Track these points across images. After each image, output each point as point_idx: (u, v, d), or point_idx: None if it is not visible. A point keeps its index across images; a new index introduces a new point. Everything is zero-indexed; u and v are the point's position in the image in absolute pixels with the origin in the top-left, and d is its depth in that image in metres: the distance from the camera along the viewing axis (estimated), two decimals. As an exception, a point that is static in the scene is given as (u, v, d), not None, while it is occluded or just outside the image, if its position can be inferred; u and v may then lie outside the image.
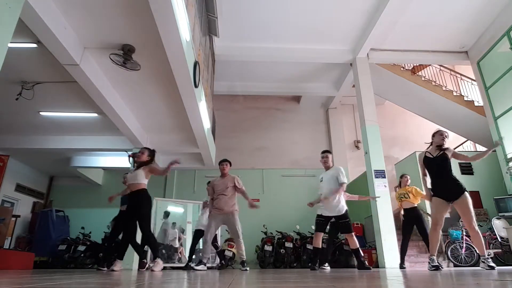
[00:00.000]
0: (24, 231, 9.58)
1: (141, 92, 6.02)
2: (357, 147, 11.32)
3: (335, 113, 11.66)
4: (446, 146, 4.11)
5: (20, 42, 4.50)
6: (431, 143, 4.22)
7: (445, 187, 3.87)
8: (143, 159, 4.37)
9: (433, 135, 4.22)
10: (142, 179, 4.22)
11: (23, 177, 9.59)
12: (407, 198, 5.66)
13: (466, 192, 3.74)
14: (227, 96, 11.26)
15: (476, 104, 8.99)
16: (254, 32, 8.09)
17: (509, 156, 7.38)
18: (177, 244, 7.86)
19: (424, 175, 4.18)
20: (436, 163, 4.00)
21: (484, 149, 9.36)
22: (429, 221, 5.68)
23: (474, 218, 3.70)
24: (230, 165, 5.17)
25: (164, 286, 1.75)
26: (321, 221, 4.62)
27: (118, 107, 6.00)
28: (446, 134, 4.14)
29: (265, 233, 8.42)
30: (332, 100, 11.18)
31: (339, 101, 11.27)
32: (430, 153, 4.12)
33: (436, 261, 3.86)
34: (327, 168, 4.82)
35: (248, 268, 4.65)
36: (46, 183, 10.60)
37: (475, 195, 8.18)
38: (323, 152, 4.91)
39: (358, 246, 4.54)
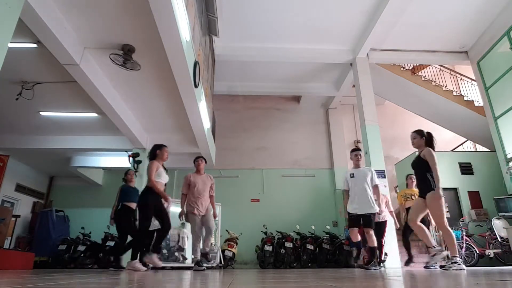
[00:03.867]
0: (24, 231, 9.58)
1: (141, 92, 6.02)
2: (357, 147, 11.32)
3: (335, 113, 11.66)
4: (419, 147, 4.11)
5: (20, 42, 4.50)
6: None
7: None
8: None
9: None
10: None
11: (23, 177, 9.59)
12: (411, 199, 5.64)
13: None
14: (227, 96, 11.25)
15: (476, 104, 8.99)
16: (254, 32, 8.09)
17: (509, 156, 7.38)
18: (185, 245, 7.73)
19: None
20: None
21: (484, 149, 9.37)
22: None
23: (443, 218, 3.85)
24: (205, 162, 5.12)
25: (164, 286, 1.75)
26: (354, 216, 4.59)
27: (118, 107, 6.00)
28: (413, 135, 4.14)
29: (265, 233, 8.42)
30: (332, 100, 11.18)
31: (339, 101, 11.27)
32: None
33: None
34: (358, 166, 4.77)
35: (205, 268, 4.56)
36: (46, 183, 10.60)
37: (475, 195, 8.18)
38: (357, 149, 4.88)
39: (374, 245, 4.51)
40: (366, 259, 4.80)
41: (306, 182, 10.54)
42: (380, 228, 5.25)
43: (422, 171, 3.88)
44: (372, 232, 4.49)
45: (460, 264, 3.59)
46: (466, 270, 3.55)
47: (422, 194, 3.93)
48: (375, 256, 4.51)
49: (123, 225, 5.35)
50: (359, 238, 4.60)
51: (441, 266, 3.78)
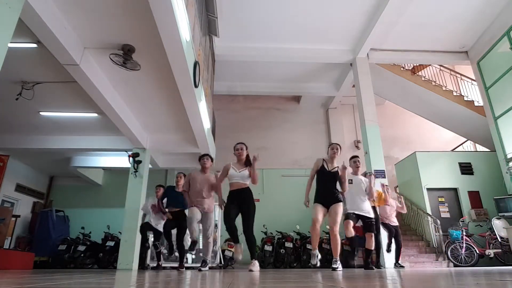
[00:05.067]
0: (24, 231, 9.58)
1: (141, 92, 6.02)
2: (357, 147, 11.32)
3: (335, 113, 11.66)
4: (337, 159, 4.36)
5: (20, 42, 4.50)
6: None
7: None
8: (245, 155, 4.18)
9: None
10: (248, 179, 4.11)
11: (23, 177, 9.59)
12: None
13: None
14: (227, 96, 11.26)
15: (476, 104, 9.00)
16: (254, 32, 8.09)
17: (509, 156, 7.38)
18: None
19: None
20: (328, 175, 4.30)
21: (484, 149, 9.37)
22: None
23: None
24: (212, 161, 4.91)
25: (164, 286, 1.75)
26: (352, 215, 4.62)
27: (118, 107, 5.99)
28: (337, 146, 4.37)
29: (265, 233, 8.42)
30: (332, 100, 11.18)
31: (339, 101, 11.27)
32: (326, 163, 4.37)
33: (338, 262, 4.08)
34: (356, 174, 4.80)
35: (204, 269, 4.37)
36: (46, 183, 10.60)
37: (475, 195, 8.18)
38: (356, 156, 4.90)
39: (373, 248, 4.64)
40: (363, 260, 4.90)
41: (306, 182, 10.53)
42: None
43: (335, 183, 4.22)
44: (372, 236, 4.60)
45: (339, 265, 4.05)
46: (342, 271, 3.99)
47: (328, 203, 4.13)
48: (369, 257, 4.70)
49: (168, 226, 5.35)
50: (352, 232, 4.61)
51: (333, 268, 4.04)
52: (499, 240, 6.71)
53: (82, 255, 8.02)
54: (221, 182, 4.39)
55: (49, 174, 10.66)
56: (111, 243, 7.99)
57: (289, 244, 7.92)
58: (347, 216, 4.60)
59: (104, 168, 10.47)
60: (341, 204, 4.12)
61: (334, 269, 3.99)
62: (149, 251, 7.11)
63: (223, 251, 7.79)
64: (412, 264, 6.94)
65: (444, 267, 6.82)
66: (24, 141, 7.64)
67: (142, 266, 7.18)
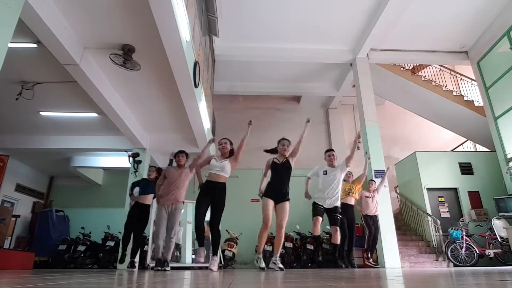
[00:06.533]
0: (24, 231, 9.58)
1: (141, 92, 6.03)
2: (357, 147, 11.32)
3: (335, 113, 11.66)
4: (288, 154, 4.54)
5: (20, 42, 4.50)
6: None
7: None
8: (228, 150, 4.41)
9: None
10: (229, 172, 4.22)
11: (23, 177, 9.59)
12: (352, 193, 5.85)
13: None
14: (227, 96, 11.26)
15: (476, 104, 8.99)
16: (254, 32, 8.09)
17: (509, 156, 7.38)
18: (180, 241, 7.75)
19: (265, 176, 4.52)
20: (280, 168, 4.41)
21: (484, 149, 9.36)
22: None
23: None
24: (187, 157, 4.96)
25: (163, 286, 1.75)
26: (320, 208, 4.71)
27: (118, 107, 6.00)
28: (288, 143, 4.59)
29: (265, 233, 8.41)
30: (332, 100, 11.18)
31: (339, 101, 11.27)
32: (277, 159, 4.53)
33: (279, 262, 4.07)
34: (332, 165, 4.93)
35: (167, 268, 4.34)
36: (46, 183, 10.60)
37: (475, 195, 8.18)
38: (331, 150, 5.08)
39: (338, 242, 4.69)
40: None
41: (305, 182, 10.53)
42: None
43: (289, 175, 4.45)
44: (338, 230, 4.65)
45: (278, 262, 4.05)
46: (284, 270, 4.00)
47: (278, 200, 4.28)
48: (337, 252, 4.73)
49: (130, 217, 5.42)
50: (319, 231, 4.66)
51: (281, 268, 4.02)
52: (499, 240, 6.71)
53: (82, 255, 8.02)
54: (200, 168, 4.55)
55: (49, 174, 10.66)
56: (111, 243, 8.00)
57: (289, 244, 7.92)
58: (316, 212, 4.61)
59: (104, 168, 10.47)
60: (288, 202, 4.31)
61: (282, 269, 3.96)
62: (149, 252, 7.11)
63: (223, 251, 7.79)
64: (412, 264, 6.94)
65: (444, 267, 6.82)
66: (24, 141, 7.65)
67: (142, 266, 7.18)
